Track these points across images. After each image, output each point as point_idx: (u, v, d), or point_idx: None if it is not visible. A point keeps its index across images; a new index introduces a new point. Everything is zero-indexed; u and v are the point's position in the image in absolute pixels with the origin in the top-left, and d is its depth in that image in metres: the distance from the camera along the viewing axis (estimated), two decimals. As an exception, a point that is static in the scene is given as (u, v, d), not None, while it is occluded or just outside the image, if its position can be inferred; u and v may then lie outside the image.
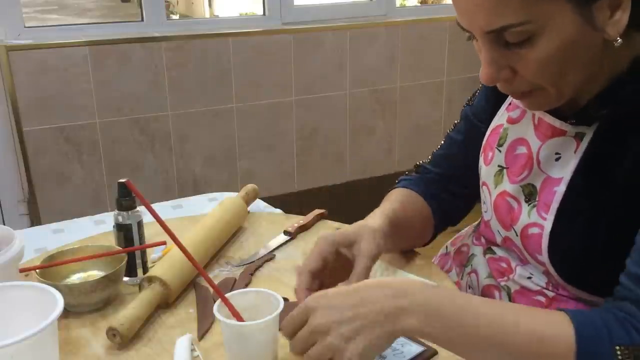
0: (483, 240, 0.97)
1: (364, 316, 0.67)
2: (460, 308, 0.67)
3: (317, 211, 1.20)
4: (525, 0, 0.65)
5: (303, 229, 1.15)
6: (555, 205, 0.78)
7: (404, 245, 1.00)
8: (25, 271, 0.90)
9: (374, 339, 0.66)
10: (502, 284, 0.89)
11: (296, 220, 1.17)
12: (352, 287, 0.71)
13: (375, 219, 0.90)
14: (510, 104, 0.91)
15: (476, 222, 1.05)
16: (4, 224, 1.62)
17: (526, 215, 0.82)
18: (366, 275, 0.81)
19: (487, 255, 0.93)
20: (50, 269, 0.91)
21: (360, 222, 0.89)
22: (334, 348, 0.66)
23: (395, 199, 0.99)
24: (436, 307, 0.66)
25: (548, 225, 0.78)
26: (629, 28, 0.69)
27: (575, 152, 0.77)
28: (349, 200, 2.77)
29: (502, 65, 0.71)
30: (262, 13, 2.64)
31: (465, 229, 1.09)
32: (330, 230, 1.15)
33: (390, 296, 0.67)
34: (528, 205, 0.82)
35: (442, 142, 1.06)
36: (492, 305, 0.69)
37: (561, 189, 0.78)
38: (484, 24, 0.68)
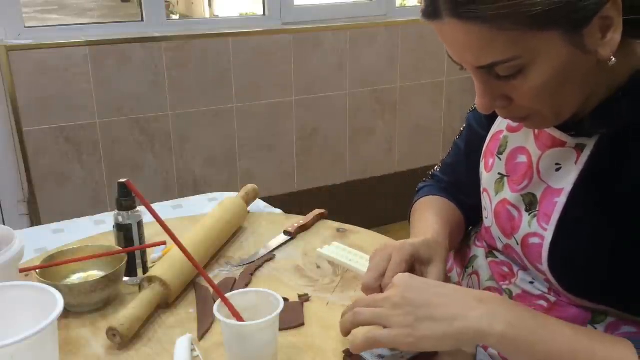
0: (485, 243, 0.96)
1: (440, 305, 0.69)
2: (539, 326, 0.68)
3: (317, 211, 1.20)
4: (512, 37, 0.64)
5: (303, 229, 1.15)
6: (555, 216, 0.77)
7: None
8: (25, 271, 0.90)
9: (438, 334, 0.68)
10: (504, 287, 0.88)
11: (296, 220, 1.17)
12: (441, 283, 0.74)
13: (440, 234, 0.91)
14: None
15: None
16: (4, 224, 1.62)
17: (527, 224, 0.81)
18: None
19: (489, 259, 0.93)
20: (50, 269, 0.91)
21: (430, 238, 0.89)
22: (398, 323, 0.69)
23: (438, 209, 1.00)
24: (515, 322, 0.68)
25: (548, 235, 0.78)
26: (628, 38, 0.68)
27: (575, 163, 0.76)
28: (349, 200, 2.77)
29: (496, 94, 0.71)
30: (262, 13, 2.64)
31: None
32: (330, 230, 1.15)
33: (474, 299, 0.70)
34: (529, 215, 0.81)
35: (450, 149, 1.06)
36: (568, 327, 0.69)
37: (562, 200, 0.77)
38: (473, 61, 0.68)
